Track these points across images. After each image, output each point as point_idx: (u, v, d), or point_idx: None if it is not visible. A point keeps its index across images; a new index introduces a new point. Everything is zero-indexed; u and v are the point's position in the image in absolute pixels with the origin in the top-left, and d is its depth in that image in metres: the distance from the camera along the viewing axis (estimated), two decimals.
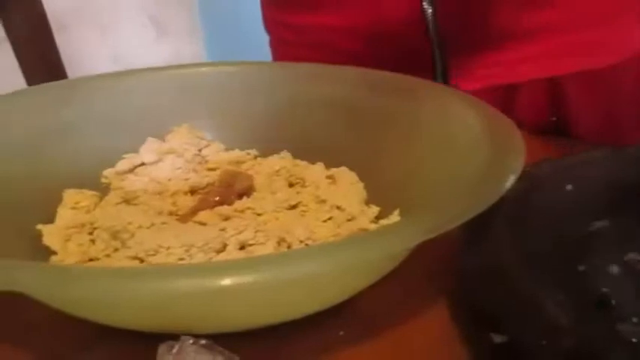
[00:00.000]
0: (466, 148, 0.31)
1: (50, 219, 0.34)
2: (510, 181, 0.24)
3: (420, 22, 0.47)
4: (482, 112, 0.32)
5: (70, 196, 0.35)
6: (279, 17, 0.57)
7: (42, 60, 0.74)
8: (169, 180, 0.35)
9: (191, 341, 0.18)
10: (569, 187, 0.35)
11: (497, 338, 0.21)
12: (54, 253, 0.31)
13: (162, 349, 0.18)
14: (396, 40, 0.50)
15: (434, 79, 0.51)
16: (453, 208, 0.23)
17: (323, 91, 0.41)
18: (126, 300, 0.20)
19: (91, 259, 0.31)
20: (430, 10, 0.47)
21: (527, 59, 0.50)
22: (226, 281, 0.16)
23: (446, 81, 0.51)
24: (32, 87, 0.38)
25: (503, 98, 0.53)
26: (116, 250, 0.30)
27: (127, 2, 1.89)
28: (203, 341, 0.19)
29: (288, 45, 0.58)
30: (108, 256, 0.31)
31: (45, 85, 0.39)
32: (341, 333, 0.26)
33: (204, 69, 0.44)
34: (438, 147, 0.34)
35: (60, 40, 0.91)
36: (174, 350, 0.18)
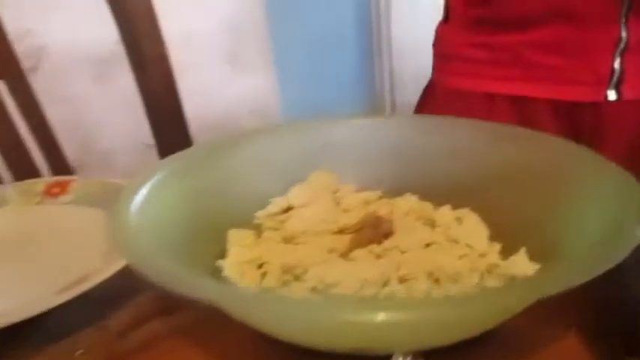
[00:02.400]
0: (584, 198, 0.36)
1: (222, 253, 0.41)
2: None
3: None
4: (604, 168, 0.36)
5: (234, 235, 0.42)
6: (471, 39, 0.60)
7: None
8: (319, 221, 0.42)
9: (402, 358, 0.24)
10: None
11: None
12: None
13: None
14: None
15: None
16: (591, 257, 0.27)
17: (443, 141, 0.47)
18: (342, 326, 0.25)
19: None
20: None
21: None
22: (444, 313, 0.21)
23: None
24: (198, 145, 0.45)
25: None
26: (286, 282, 0.37)
27: (204, 41, 2.02)
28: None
29: (476, 63, 0.61)
30: (281, 287, 0.37)
31: (209, 142, 0.46)
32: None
33: (337, 122, 0.50)
34: (553, 196, 0.38)
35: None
36: None
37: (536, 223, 0.39)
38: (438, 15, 0.66)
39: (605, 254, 0.28)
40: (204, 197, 0.43)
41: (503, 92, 0.58)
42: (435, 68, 0.66)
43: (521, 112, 0.58)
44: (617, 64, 0.54)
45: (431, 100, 0.67)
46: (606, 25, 0.53)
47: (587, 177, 0.36)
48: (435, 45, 0.66)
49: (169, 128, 0.77)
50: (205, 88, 2.08)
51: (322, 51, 2.43)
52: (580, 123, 0.57)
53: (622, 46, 0.54)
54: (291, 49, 2.28)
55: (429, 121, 0.48)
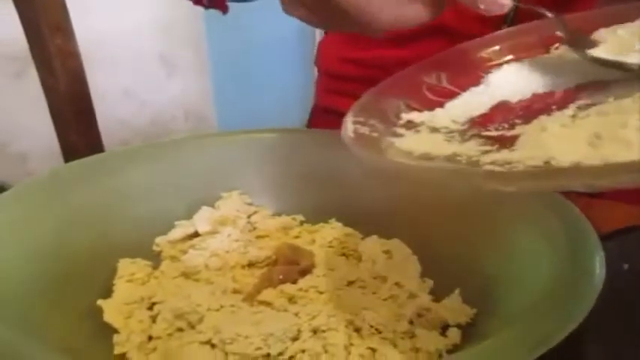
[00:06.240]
0: (528, 232, 0.31)
1: (106, 290, 0.34)
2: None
3: None
4: (552, 202, 0.32)
5: (124, 266, 0.35)
6: (345, 54, 0.57)
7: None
8: (227, 252, 0.35)
9: None
10: (625, 266, 0.35)
11: None
12: (115, 330, 0.31)
13: None
14: None
15: None
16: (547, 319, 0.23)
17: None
18: None
19: (151, 337, 0.31)
20: None
21: None
22: None
23: None
24: (85, 159, 0.38)
25: None
26: (180, 329, 0.30)
27: (137, 39, 1.92)
28: None
29: (347, 80, 0.58)
30: (170, 335, 0.30)
31: (98, 155, 0.39)
32: None
33: (249, 135, 0.44)
34: (494, 228, 0.34)
35: None
36: None
37: (473, 258, 0.34)
38: None
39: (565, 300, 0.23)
40: (86, 221, 0.36)
41: None
42: (316, 85, 0.63)
43: None
44: None
45: (312, 122, 0.63)
46: None
47: (533, 209, 0.32)
48: (315, 61, 0.63)
49: (77, 131, 0.68)
50: (138, 89, 1.97)
51: (262, 55, 2.37)
52: None
53: None
54: (228, 52, 2.20)
55: None
